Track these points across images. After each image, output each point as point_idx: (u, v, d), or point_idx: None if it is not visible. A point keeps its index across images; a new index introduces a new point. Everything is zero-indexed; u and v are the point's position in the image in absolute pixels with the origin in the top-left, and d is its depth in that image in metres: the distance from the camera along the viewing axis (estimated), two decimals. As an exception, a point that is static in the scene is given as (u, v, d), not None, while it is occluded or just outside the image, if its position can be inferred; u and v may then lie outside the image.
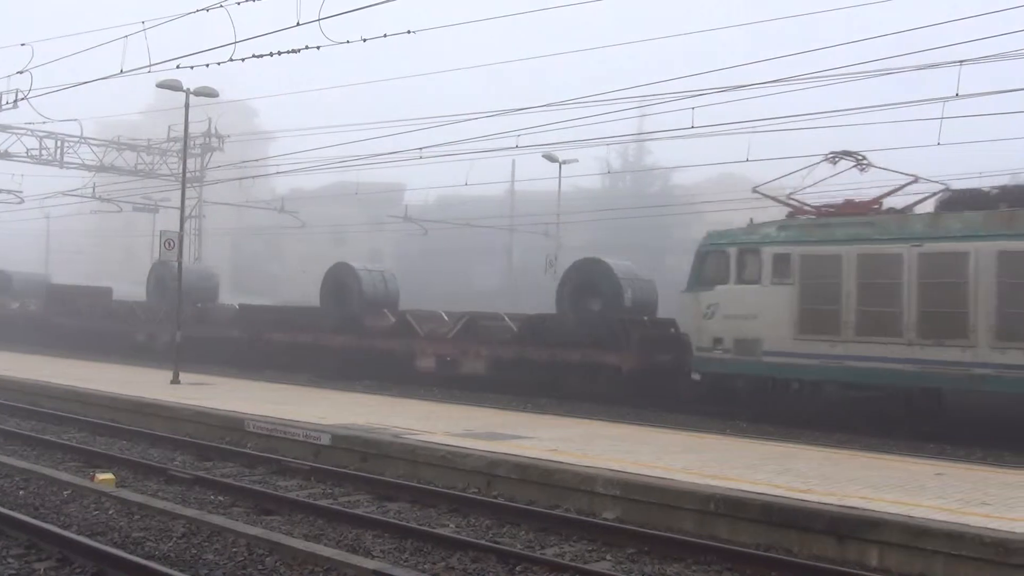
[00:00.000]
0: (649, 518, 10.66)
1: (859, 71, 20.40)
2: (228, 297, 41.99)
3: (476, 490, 12.24)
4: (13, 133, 37.50)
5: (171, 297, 37.19)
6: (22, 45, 20.10)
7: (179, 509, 10.69)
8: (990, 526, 9.13)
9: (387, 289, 32.38)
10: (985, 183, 32.11)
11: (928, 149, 23.89)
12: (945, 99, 20.70)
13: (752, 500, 10.18)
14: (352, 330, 29.52)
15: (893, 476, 12.05)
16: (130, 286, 47.98)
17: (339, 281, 32.05)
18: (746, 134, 25.98)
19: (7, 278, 45.19)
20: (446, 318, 28.97)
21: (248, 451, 14.95)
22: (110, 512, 10.76)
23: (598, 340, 23.74)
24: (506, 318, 27.49)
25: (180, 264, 24.65)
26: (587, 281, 26.19)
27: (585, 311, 25.65)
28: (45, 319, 40.39)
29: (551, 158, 41.21)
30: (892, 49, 18.55)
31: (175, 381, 22.60)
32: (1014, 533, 8.90)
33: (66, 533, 9.50)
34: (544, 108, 24.75)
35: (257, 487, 12.32)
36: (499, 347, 25.97)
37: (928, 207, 19.55)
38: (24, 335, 39.45)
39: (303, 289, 42.09)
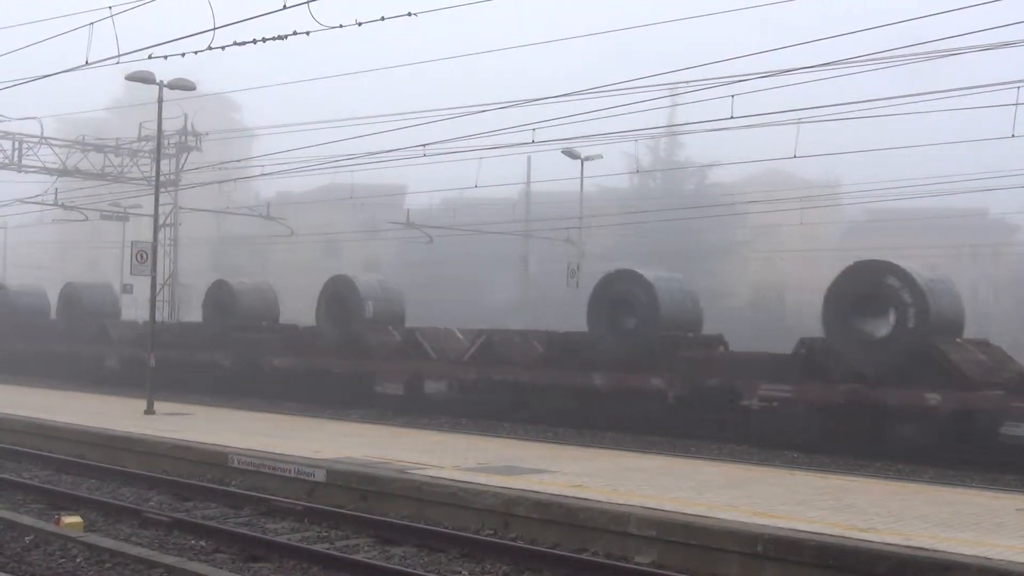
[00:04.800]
0: (689, 562, 10.65)
1: (921, 52, 20.39)
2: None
3: (491, 532, 12.24)
4: (-35, 134, 37.77)
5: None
6: (-26, 35, 20.27)
7: (156, 556, 10.72)
8: (1079, 568, 9.07)
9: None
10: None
11: (1000, 142, 23.87)
12: (1020, 83, 20.67)
13: (806, 541, 10.15)
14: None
15: (967, 512, 12.01)
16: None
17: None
18: (793, 125, 25.91)
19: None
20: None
21: (233, 490, 14.99)
22: (78, 560, 10.80)
23: None
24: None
25: (153, 278, 24.78)
26: None
27: None
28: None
29: (572, 154, 41.27)
30: (958, 27, 18.51)
31: (149, 411, 22.71)
32: (1107, 576, 8.83)
33: (29, 584, 9.54)
34: (563, 98, 24.72)
35: (243, 530, 12.35)
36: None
37: None
38: None
39: (295, 305, 42.24)
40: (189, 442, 17.49)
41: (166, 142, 35.67)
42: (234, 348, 32.68)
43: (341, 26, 15.77)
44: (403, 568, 10.68)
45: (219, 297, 34.55)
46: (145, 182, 40.34)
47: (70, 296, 40.89)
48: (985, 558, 9.42)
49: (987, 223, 68.15)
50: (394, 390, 29.22)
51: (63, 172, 40.54)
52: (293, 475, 14.91)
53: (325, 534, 12.44)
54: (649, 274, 25.52)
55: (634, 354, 24.21)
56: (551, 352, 26.06)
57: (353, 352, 29.85)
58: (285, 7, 15.27)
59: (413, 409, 27.00)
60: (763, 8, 21.30)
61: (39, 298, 44.14)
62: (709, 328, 26.39)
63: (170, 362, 32.09)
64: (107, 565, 10.56)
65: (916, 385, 19.84)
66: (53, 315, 42.63)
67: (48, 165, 40.16)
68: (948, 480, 16.40)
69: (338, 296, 31.04)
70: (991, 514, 11.90)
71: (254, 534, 12.14)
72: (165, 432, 18.79)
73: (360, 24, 15.96)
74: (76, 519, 12.41)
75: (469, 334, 29.06)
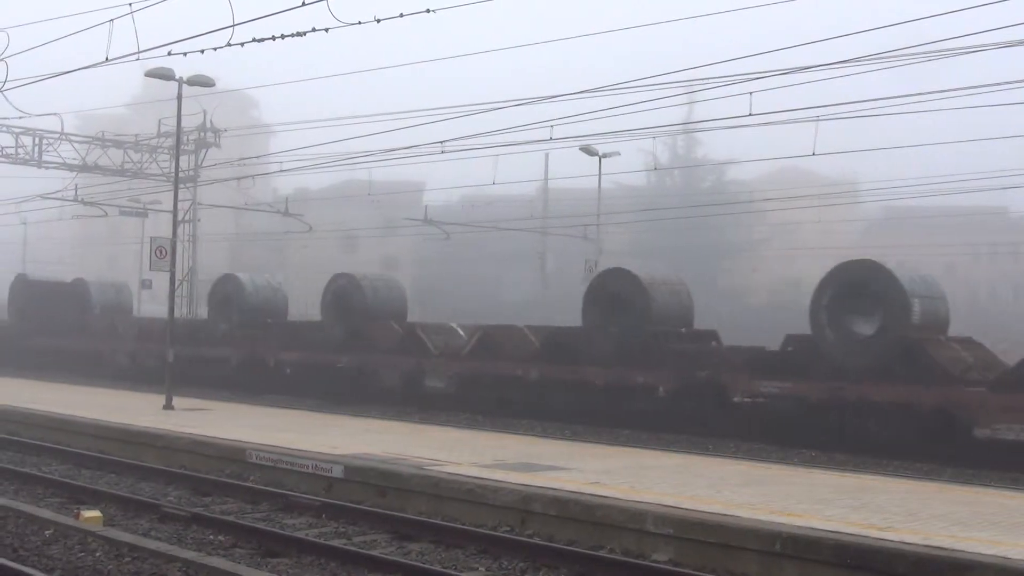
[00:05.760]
0: (706, 560, 10.62)
1: (939, 49, 20.29)
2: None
3: (508, 528, 12.24)
4: (-14, 130, 37.96)
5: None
6: (-4, 32, 20.34)
7: (174, 551, 10.75)
8: (1100, 569, 9.01)
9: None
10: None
11: (1020, 139, 23.75)
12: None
13: (824, 539, 10.12)
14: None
15: (986, 512, 11.95)
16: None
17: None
18: (811, 122, 25.85)
19: None
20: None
21: (251, 485, 15.03)
22: (97, 554, 10.84)
23: None
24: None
25: (172, 274, 24.86)
26: None
27: None
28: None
29: (589, 151, 41.21)
30: (977, 24, 18.42)
31: (168, 407, 22.79)
32: None
33: (49, 578, 9.60)
34: (581, 95, 24.72)
35: (261, 526, 12.38)
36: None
37: None
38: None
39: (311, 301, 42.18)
40: (207, 438, 17.55)
41: (185, 138, 35.77)
42: (674, 365, 23.27)
43: (360, 22, 15.79)
44: (420, 564, 10.68)
45: (620, 291, 24.78)
46: (164, 178, 40.55)
47: (345, 289, 30.98)
48: (1004, 558, 9.37)
49: (1006, 221, 67.84)
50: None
51: (83, 168, 40.75)
52: (311, 471, 14.95)
53: (343, 530, 12.46)
54: None
55: None
56: None
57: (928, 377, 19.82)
58: (304, 3, 15.30)
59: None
60: (780, 6, 21.24)
61: (275, 293, 34.72)
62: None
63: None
64: (126, 559, 10.60)
65: None
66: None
67: (68, 161, 40.38)
68: (967, 479, 16.32)
69: (869, 291, 21.00)
70: (1010, 514, 11.84)
71: (272, 529, 12.16)
72: (184, 427, 18.86)
73: (379, 20, 15.97)
74: (95, 513, 12.46)
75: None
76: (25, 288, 41.80)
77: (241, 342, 32.52)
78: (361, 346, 29.78)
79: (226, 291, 34.02)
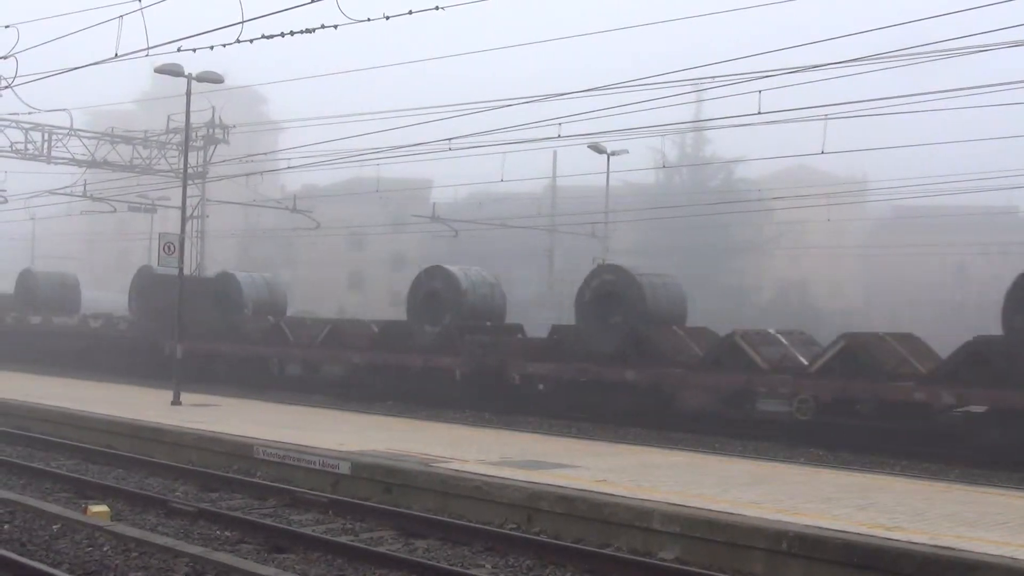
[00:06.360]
0: (713, 558, 10.62)
1: (949, 48, 20.23)
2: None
3: (515, 526, 12.25)
4: (-5, 125, 37.99)
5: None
6: (6, 27, 20.39)
7: (181, 546, 10.78)
8: (1107, 570, 8.99)
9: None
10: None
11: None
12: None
13: (831, 538, 10.11)
14: None
15: (993, 511, 11.93)
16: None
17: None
18: (821, 121, 25.79)
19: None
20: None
21: (258, 481, 15.07)
22: (105, 549, 10.87)
23: None
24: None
25: (181, 270, 24.90)
26: None
27: None
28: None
29: (598, 149, 41.19)
30: (987, 23, 18.35)
31: (176, 402, 22.84)
32: None
33: (56, 572, 9.61)
34: (589, 93, 24.68)
35: (268, 521, 12.42)
36: None
37: None
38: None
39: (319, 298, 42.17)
40: (215, 433, 17.58)
41: (194, 135, 35.81)
42: None
43: (368, 19, 15.79)
44: (427, 561, 10.70)
45: None
46: (173, 174, 40.57)
47: (613, 287, 25.16)
48: (1012, 558, 9.36)
49: (1016, 220, 67.60)
50: None
51: (92, 164, 40.79)
52: (318, 467, 14.98)
53: (349, 526, 12.49)
54: None
55: None
56: None
57: None
58: (313, 0, 15.30)
59: None
60: (788, 5, 21.20)
61: (493, 289, 29.14)
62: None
63: None
64: (133, 554, 10.63)
65: None
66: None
67: (77, 157, 40.41)
68: (973, 479, 16.28)
69: None
70: (1018, 514, 11.82)
71: (279, 525, 12.20)
72: (191, 423, 18.90)
73: (388, 18, 15.98)
74: (103, 508, 12.50)
75: None
76: (151, 282, 35.86)
77: (468, 350, 26.52)
78: (640, 358, 24.00)
79: (433, 287, 28.50)
